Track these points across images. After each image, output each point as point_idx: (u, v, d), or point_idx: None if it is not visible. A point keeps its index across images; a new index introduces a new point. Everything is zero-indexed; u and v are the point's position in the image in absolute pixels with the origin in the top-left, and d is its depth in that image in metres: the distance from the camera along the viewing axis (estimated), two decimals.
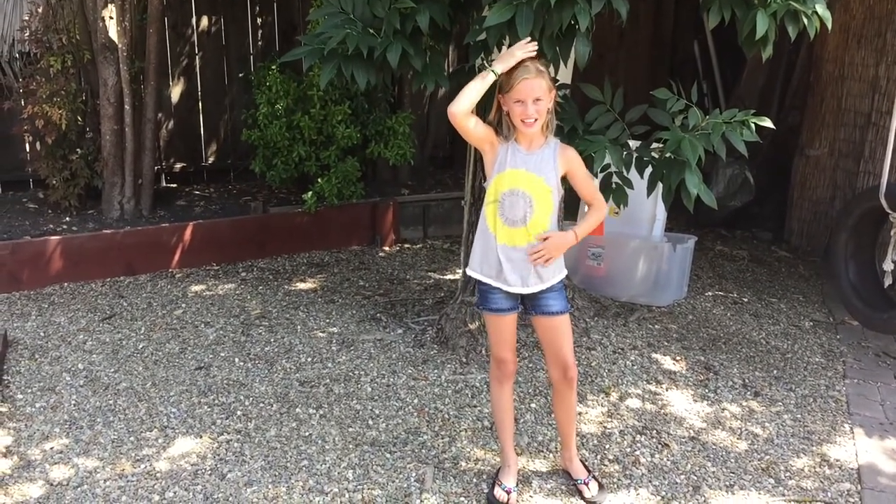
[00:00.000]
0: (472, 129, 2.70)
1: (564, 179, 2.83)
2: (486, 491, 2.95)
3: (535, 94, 2.64)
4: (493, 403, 3.02)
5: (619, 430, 3.42)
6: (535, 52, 2.68)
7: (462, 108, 2.64)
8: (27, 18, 5.55)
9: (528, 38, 2.72)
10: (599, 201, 2.89)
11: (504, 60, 2.66)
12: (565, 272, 2.85)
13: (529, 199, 2.70)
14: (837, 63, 5.87)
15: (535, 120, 2.67)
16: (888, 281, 4.62)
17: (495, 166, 2.76)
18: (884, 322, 4.57)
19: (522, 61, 2.65)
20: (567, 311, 2.83)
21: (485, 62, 3.03)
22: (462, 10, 3.37)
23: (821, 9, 2.94)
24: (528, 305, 2.83)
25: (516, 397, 3.59)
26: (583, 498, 2.95)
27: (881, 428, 3.59)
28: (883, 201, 4.54)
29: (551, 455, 3.21)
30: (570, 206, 3.89)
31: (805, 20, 2.93)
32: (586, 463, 3.09)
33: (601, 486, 2.99)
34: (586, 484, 2.97)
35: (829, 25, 3.01)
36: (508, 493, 2.90)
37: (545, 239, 2.71)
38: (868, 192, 4.91)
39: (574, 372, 2.87)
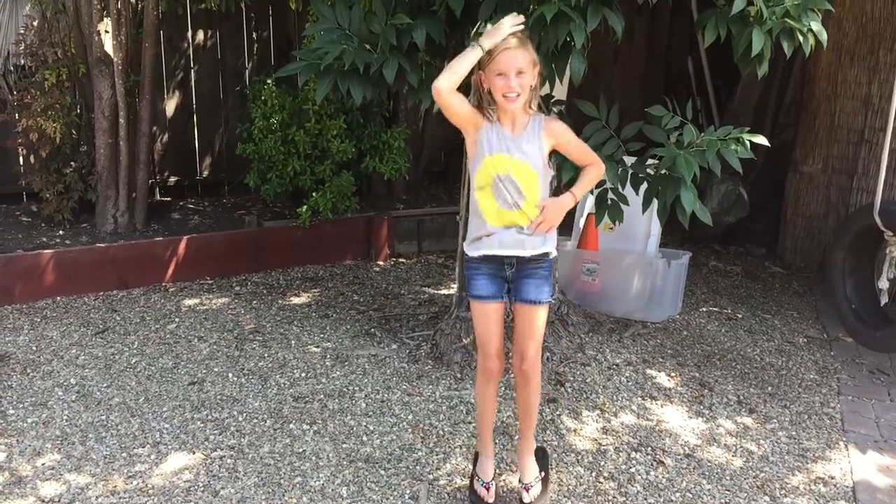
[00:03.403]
0: (458, 106, 2.60)
1: (556, 154, 2.75)
2: None
3: (518, 66, 2.53)
4: (477, 397, 2.95)
5: (614, 446, 3.41)
6: (524, 26, 2.60)
7: (447, 84, 2.53)
8: (23, 31, 5.56)
9: (516, 14, 2.63)
10: (595, 160, 2.79)
11: (492, 35, 2.55)
12: (555, 242, 2.77)
13: (517, 185, 2.63)
14: (830, 80, 5.90)
15: (518, 95, 2.56)
16: (884, 299, 4.63)
17: (478, 149, 2.68)
18: (878, 339, 4.58)
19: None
20: (546, 302, 2.76)
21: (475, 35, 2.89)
22: (458, 26, 3.39)
23: (816, 26, 2.96)
24: (513, 290, 2.76)
25: (498, 411, 3.58)
26: (521, 501, 2.92)
27: (876, 445, 3.59)
28: (877, 219, 4.56)
29: None
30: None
31: (800, 37, 2.95)
32: (539, 458, 3.01)
33: (544, 488, 2.94)
34: (527, 489, 2.91)
35: (825, 43, 3.03)
36: (487, 488, 2.90)
37: (543, 208, 2.64)
38: (863, 209, 4.92)
39: (529, 366, 2.78)
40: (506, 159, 2.63)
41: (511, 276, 2.75)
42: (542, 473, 2.99)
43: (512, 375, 2.95)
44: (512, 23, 2.57)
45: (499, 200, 2.66)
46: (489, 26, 2.64)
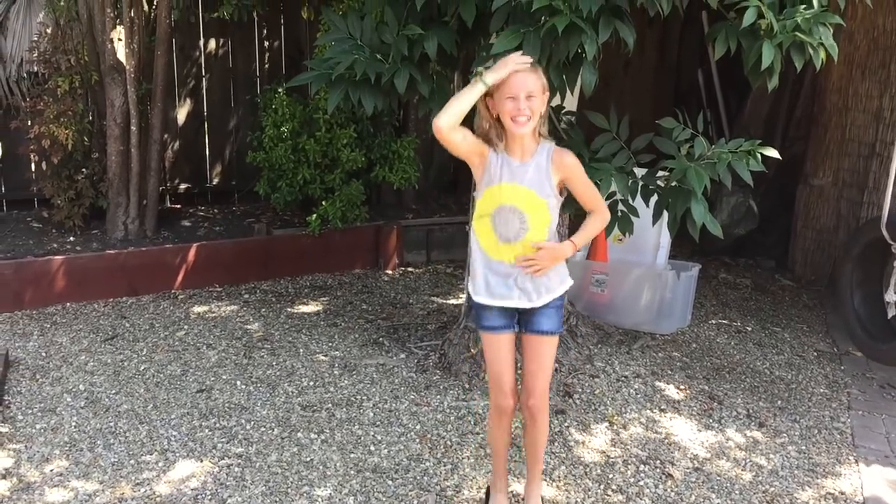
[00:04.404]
0: (460, 142, 2.53)
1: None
2: None
3: (528, 90, 2.46)
4: (491, 434, 2.87)
5: (623, 459, 3.40)
6: (529, 64, 2.52)
7: (448, 122, 2.46)
8: (36, 39, 5.60)
9: (522, 52, 2.60)
10: (601, 207, 2.68)
11: (496, 70, 2.48)
12: (566, 286, 2.68)
13: (523, 216, 2.55)
14: (841, 94, 5.89)
15: (528, 119, 2.48)
16: (892, 312, 4.61)
17: (485, 178, 2.59)
18: (885, 352, 4.57)
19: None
20: (557, 332, 2.68)
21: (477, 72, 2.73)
22: (469, 36, 3.39)
23: (827, 41, 2.95)
24: (522, 322, 2.68)
25: (519, 423, 3.56)
26: None
27: (886, 460, 3.56)
28: (884, 232, 4.54)
29: (554, 484, 3.18)
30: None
31: (811, 51, 2.94)
32: None
33: None
34: None
35: (836, 57, 3.02)
36: None
37: (539, 249, 2.55)
38: (872, 222, 4.92)
39: (537, 401, 2.68)
40: (511, 188, 2.54)
41: (520, 313, 2.67)
42: None
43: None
44: (518, 60, 2.50)
45: (497, 232, 2.57)
46: (491, 63, 2.57)
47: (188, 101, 6.59)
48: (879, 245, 4.69)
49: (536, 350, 2.68)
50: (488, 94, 2.54)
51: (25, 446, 3.35)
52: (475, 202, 2.67)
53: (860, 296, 4.94)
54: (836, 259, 5.74)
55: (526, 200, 2.55)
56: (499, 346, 2.69)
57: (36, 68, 5.68)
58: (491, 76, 2.49)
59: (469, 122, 2.63)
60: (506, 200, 2.56)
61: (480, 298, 2.66)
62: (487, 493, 2.99)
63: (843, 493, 3.26)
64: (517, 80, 2.47)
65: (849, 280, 4.98)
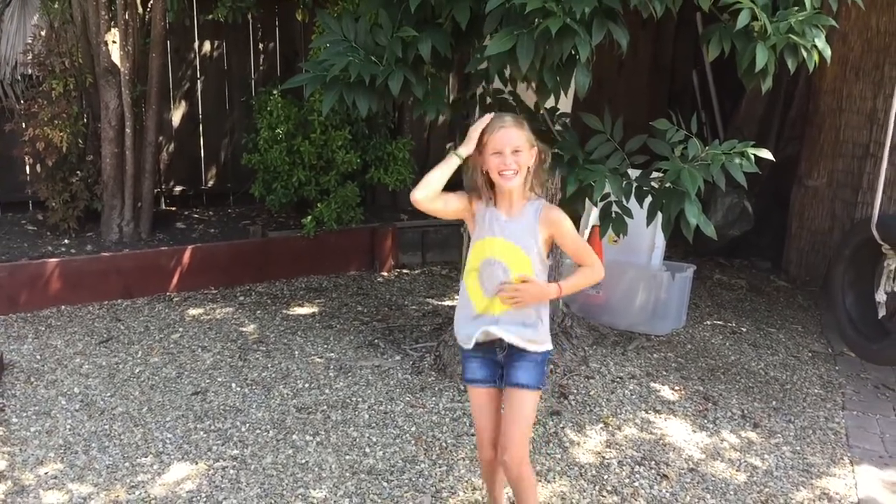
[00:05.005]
0: (443, 209, 2.55)
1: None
2: None
3: (514, 145, 2.46)
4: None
5: (618, 460, 3.40)
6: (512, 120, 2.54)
7: (424, 196, 2.48)
8: (30, 41, 5.59)
9: (487, 116, 2.59)
10: (591, 262, 2.60)
11: (467, 143, 2.51)
12: (547, 346, 2.61)
13: (507, 270, 2.51)
14: (836, 95, 5.91)
15: (515, 173, 2.47)
16: (881, 312, 4.63)
17: (475, 232, 2.59)
18: (875, 352, 4.58)
19: (497, 116, 2.53)
20: (535, 388, 2.58)
21: (459, 148, 2.61)
22: (464, 38, 3.39)
23: (820, 42, 2.95)
24: (504, 374, 2.62)
25: None
26: None
27: (881, 461, 3.57)
28: (874, 232, 4.56)
29: (549, 485, 3.18)
30: None
31: (804, 53, 2.95)
32: None
33: None
34: None
35: (829, 59, 3.03)
36: None
37: (524, 281, 2.49)
38: (863, 222, 4.94)
39: (509, 457, 2.56)
40: (497, 242, 2.52)
41: (503, 359, 2.61)
42: None
43: None
44: (482, 123, 2.53)
45: (483, 286, 2.55)
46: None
47: (183, 103, 6.58)
48: (870, 245, 4.71)
49: (512, 404, 2.60)
50: (477, 151, 2.53)
51: (20, 449, 3.34)
52: (466, 257, 2.67)
53: (852, 296, 4.95)
54: (830, 259, 5.76)
55: (511, 255, 2.52)
56: (480, 400, 2.67)
57: (30, 71, 5.66)
58: (463, 148, 2.52)
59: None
60: (491, 254, 2.54)
61: (464, 343, 2.63)
62: None
63: (837, 494, 3.27)
64: (502, 135, 2.47)
65: (840, 280, 4.99)
